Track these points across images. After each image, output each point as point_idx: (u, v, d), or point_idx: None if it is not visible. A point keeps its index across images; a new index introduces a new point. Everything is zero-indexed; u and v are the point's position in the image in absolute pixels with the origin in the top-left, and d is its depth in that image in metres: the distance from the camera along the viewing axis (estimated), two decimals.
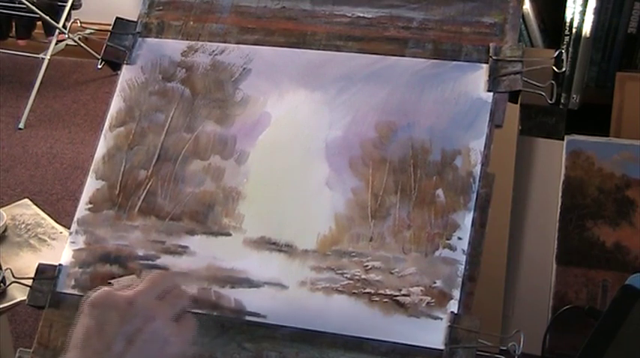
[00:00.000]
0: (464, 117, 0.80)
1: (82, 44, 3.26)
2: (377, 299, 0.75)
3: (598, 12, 1.19)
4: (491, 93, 0.80)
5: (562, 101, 1.25)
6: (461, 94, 0.81)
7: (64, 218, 1.82)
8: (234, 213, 0.80)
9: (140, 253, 0.80)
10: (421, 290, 0.75)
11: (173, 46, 0.89)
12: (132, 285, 0.70)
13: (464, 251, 0.75)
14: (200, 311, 0.77)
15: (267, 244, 0.79)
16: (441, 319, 0.73)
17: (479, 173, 0.78)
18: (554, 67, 0.81)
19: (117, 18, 0.91)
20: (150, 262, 0.80)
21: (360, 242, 0.77)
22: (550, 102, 0.80)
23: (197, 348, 0.76)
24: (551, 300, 1.01)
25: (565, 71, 1.23)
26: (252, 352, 0.75)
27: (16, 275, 0.81)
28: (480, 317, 0.73)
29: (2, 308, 1.44)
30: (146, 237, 0.81)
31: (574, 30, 1.21)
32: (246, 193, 0.81)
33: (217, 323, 0.77)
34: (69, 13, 3.21)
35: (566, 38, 1.23)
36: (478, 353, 0.72)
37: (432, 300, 0.74)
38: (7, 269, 0.83)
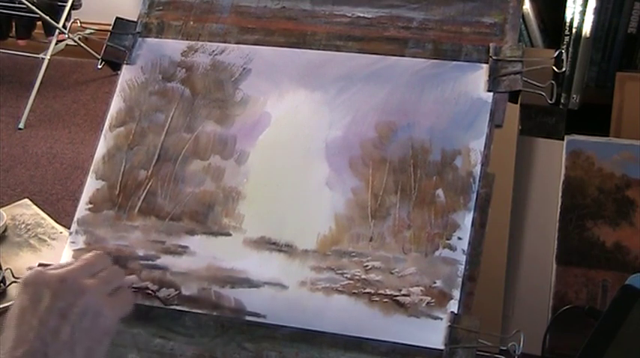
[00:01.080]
0: (464, 117, 0.80)
1: (82, 44, 3.27)
2: (377, 299, 0.75)
3: (598, 12, 1.20)
4: (491, 94, 0.80)
5: (562, 101, 1.25)
6: (461, 94, 0.81)
7: (64, 218, 1.81)
8: (234, 213, 0.80)
9: (140, 253, 0.80)
10: (421, 290, 0.75)
11: (173, 46, 0.89)
12: (65, 266, 0.72)
13: (464, 251, 0.75)
14: (200, 311, 0.77)
15: (267, 244, 0.79)
16: (441, 319, 0.73)
17: (479, 173, 0.78)
18: (554, 67, 0.81)
19: (117, 18, 0.91)
20: (150, 262, 0.80)
21: (360, 242, 0.77)
22: (550, 102, 0.80)
23: (197, 348, 0.76)
24: (551, 300, 1.01)
25: (565, 71, 1.23)
26: (252, 352, 0.75)
27: (16, 276, 0.82)
28: (480, 317, 0.73)
29: (2, 308, 1.44)
30: (146, 237, 0.81)
31: (574, 30, 1.21)
32: (246, 193, 0.81)
33: (217, 323, 0.77)
34: (69, 13, 3.21)
35: (566, 38, 1.23)
36: (478, 353, 0.72)
37: (432, 300, 0.74)
38: (7, 269, 0.83)
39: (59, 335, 0.66)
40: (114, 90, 0.88)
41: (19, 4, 3.15)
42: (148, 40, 0.90)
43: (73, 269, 0.71)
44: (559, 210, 1.04)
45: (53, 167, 2.91)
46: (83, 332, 0.67)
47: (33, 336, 0.66)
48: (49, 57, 3.23)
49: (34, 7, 3.09)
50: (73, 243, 0.82)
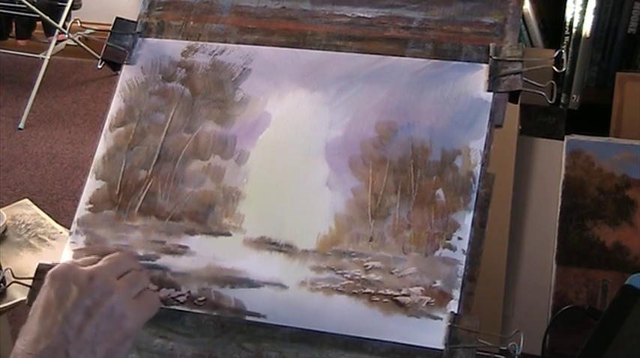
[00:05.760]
0: (464, 117, 0.80)
1: (82, 44, 3.27)
2: (377, 299, 0.75)
3: (598, 12, 1.20)
4: (492, 93, 0.80)
5: (562, 101, 1.25)
6: (461, 94, 0.81)
7: (64, 218, 1.82)
8: (234, 213, 0.80)
9: (140, 253, 0.80)
10: (421, 290, 0.75)
11: (173, 46, 0.89)
12: (94, 262, 0.72)
13: (464, 251, 0.75)
14: (200, 311, 0.77)
15: (267, 244, 0.79)
16: (441, 319, 0.73)
17: (479, 173, 0.78)
18: (554, 67, 0.81)
19: (117, 18, 0.91)
20: (150, 262, 0.80)
21: (360, 242, 0.77)
22: (550, 102, 0.80)
23: (197, 348, 0.76)
24: (551, 300, 1.01)
25: (565, 71, 1.23)
26: (252, 352, 0.75)
27: (16, 275, 0.81)
28: (480, 317, 0.73)
29: (2, 308, 1.44)
30: (146, 237, 0.81)
31: (574, 30, 1.21)
32: (246, 193, 0.81)
33: (217, 323, 0.77)
34: (69, 13, 3.21)
35: (566, 38, 1.23)
36: (478, 353, 0.72)
37: (432, 300, 0.74)
38: (7, 269, 0.83)
39: (82, 333, 0.66)
40: (114, 90, 0.88)
41: (19, 4, 3.15)
42: (148, 40, 0.90)
43: (102, 267, 0.71)
44: (559, 210, 1.04)
45: (53, 167, 2.91)
46: (106, 333, 0.67)
47: (56, 331, 0.66)
48: (49, 57, 3.23)
49: (34, 7, 3.09)
50: (73, 243, 0.82)
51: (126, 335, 0.69)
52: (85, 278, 0.69)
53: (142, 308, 0.71)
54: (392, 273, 0.76)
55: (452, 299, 0.74)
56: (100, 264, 0.72)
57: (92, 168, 0.85)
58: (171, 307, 0.78)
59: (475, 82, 0.81)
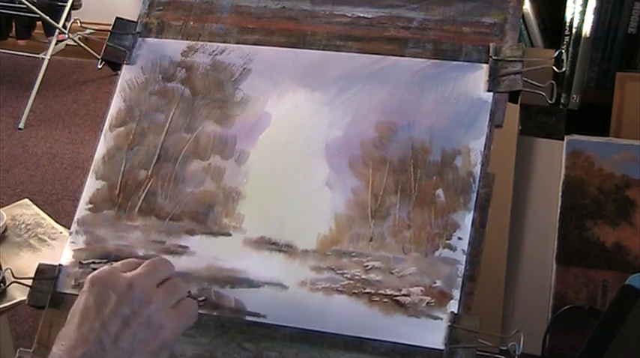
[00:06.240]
0: (464, 117, 0.80)
1: (82, 44, 3.27)
2: (377, 299, 0.75)
3: (598, 12, 1.20)
4: (492, 93, 0.80)
5: (562, 101, 1.25)
6: (461, 94, 0.81)
7: (64, 218, 1.82)
8: (234, 213, 0.80)
9: (140, 253, 0.80)
10: (421, 290, 0.75)
11: (173, 46, 0.89)
12: (134, 267, 0.71)
13: (464, 251, 0.75)
14: (200, 311, 0.77)
15: (267, 244, 0.79)
16: (441, 319, 0.73)
17: (479, 173, 0.78)
18: (554, 67, 0.81)
19: (117, 18, 0.91)
20: None
21: (360, 242, 0.77)
22: (550, 102, 0.80)
23: (197, 348, 0.76)
24: (551, 300, 1.01)
25: (565, 71, 1.23)
26: (252, 352, 0.75)
27: (16, 275, 0.81)
28: (480, 317, 0.73)
29: (2, 308, 1.44)
30: (146, 237, 0.81)
31: (574, 30, 1.21)
32: (246, 193, 0.81)
33: (217, 323, 0.77)
34: (69, 13, 3.21)
35: (566, 38, 1.23)
36: (478, 353, 0.72)
37: (432, 300, 0.74)
38: (7, 269, 0.83)
39: (119, 342, 0.66)
40: (114, 90, 0.88)
41: (19, 4, 3.15)
42: (148, 40, 0.90)
43: (141, 275, 0.70)
44: (559, 210, 1.04)
45: (53, 167, 2.91)
46: (143, 343, 0.66)
47: (93, 339, 0.65)
48: (49, 57, 3.23)
49: (34, 7, 3.09)
50: (73, 243, 0.82)
51: (162, 346, 0.68)
52: (124, 285, 0.68)
53: (180, 317, 0.70)
54: (392, 273, 0.76)
55: (452, 299, 0.74)
56: (139, 270, 0.70)
57: (92, 168, 0.85)
58: None
59: (475, 82, 0.81)
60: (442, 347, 0.72)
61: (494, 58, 0.81)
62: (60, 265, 0.82)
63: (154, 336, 0.67)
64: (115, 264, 0.73)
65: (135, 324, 0.66)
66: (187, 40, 0.89)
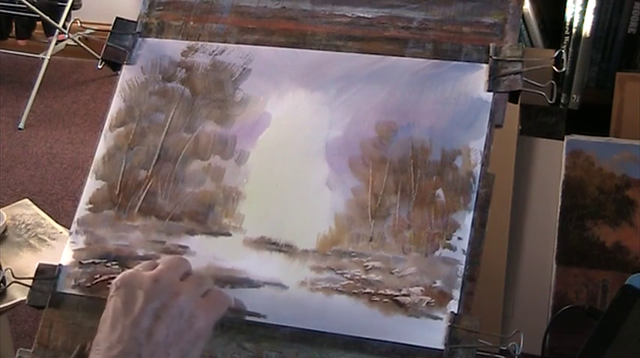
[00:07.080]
0: (464, 117, 0.80)
1: (82, 44, 3.27)
2: (377, 299, 0.75)
3: (598, 12, 1.20)
4: (492, 93, 0.80)
5: (562, 101, 1.25)
6: (461, 94, 0.81)
7: (64, 218, 1.82)
8: (234, 213, 0.80)
9: (140, 253, 0.80)
10: (421, 290, 0.75)
11: (173, 46, 0.89)
12: (154, 267, 0.71)
13: (464, 251, 0.75)
14: None
15: (267, 244, 0.79)
16: (441, 319, 0.73)
17: (479, 173, 0.78)
18: (554, 67, 0.81)
19: (117, 18, 0.91)
20: None
21: (360, 242, 0.77)
22: (550, 102, 0.80)
23: None
24: (551, 300, 1.01)
25: (565, 71, 1.23)
26: (252, 352, 0.75)
27: (16, 275, 0.81)
28: (480, 317, 0.73)
29: (2, 308, 1.44)
30: (146, 237, 0.81)
31: (574, 30, 1.21)
32: (246, 193, 0.81)
33: (217, 323, 0.77)
34: (69, 13, 3.22)
35: (566, 38, 1.23)
36: (478, 353, 0.72)
37: (432, 300, 0.74)
38: (7, 269, 0.83)
39: (153, 335, 0.66)
40: (114, 90, 0.88)
41: (19, 4, 3.16)
42: (148, 40, 0.90)
43: (164, 270, 0.70)
44: (559, 210, 1.04)
45: (53, 167, 2.91)
46: (177, 334, 0.66)
47: (127, 337, 0.65)
48: (49, 57, 3.23)
49: (34, 7, 3.09)
50: (73, 243, 0.82)
51: (198, 335, 0.68)
52: (149, 281, 0.68)
53: (212, 306, 0.70)
54: (392, 273, 0.76)
55: (452, 299, 0.74)
56: (160, 267, 0.71)
57: (92, 168, 0.85)
58: None
59: (475, 82, 0.81)
60: (442, 347, 0.72)
61: (494, 58, 0.81)
62: (60, 265, 0.82)
63: (188, 326, 0.67)
64: (136, 267, 0.73)
65: (167, 317, 0.66)
66: (187, 40, 0.89)
